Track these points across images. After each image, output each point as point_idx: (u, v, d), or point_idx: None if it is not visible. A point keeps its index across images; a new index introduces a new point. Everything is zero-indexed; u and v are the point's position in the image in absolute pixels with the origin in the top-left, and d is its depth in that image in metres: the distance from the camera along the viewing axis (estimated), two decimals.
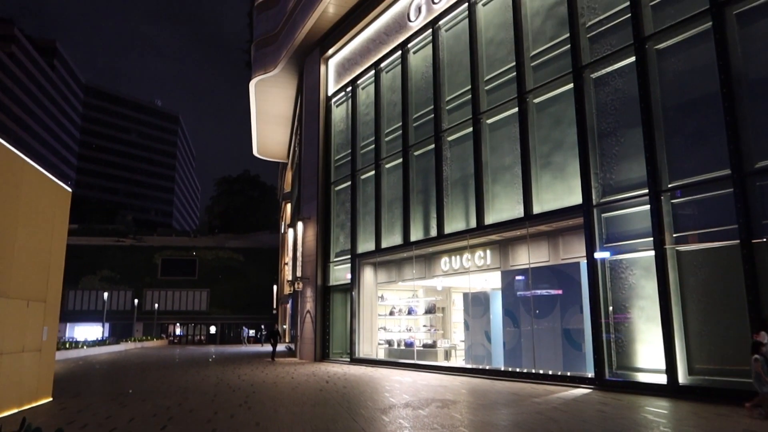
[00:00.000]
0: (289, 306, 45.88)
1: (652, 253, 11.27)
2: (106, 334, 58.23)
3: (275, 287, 60.66)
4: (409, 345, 18.71)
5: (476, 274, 16.57)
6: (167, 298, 62.43)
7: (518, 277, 14.77)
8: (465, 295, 16.68)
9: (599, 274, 12.24)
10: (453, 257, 17.39)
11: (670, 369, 10.63)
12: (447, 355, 18.33)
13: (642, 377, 11.31)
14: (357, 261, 21.27)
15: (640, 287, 11.63)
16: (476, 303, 16.18)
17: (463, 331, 16.93)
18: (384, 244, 20.05)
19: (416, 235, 18.56)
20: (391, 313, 20.44)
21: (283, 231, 53.98)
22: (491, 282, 16.93)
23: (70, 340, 45.73)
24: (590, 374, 12.26)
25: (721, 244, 10.40)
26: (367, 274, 21.30)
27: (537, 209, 14.21)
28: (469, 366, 15.80)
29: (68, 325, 60.45)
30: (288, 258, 26.36)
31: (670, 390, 10.54)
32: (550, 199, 14.00)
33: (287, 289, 27.82)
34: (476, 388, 12.57)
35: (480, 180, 16.02)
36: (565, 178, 13.71)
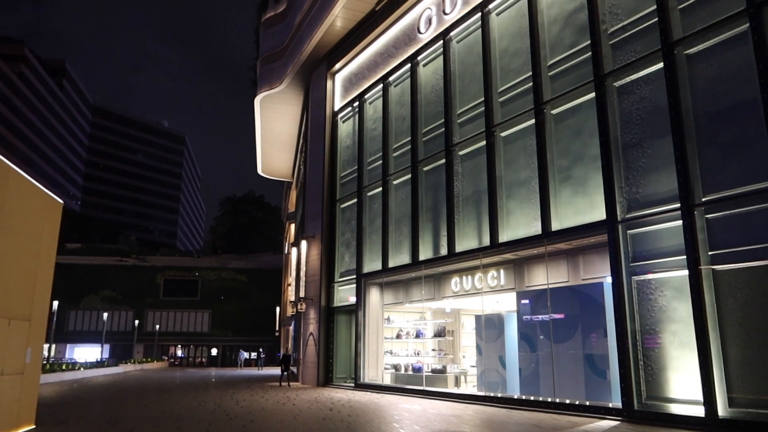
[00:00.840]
0: (291, 328, 44.84)
1: (685, 272, 10.37)
2: (106, 355, 57.20)
3: (278, 309, 59.59)
4: (417, 370, 17.71)
5: (489, 295, 15.66)
6: (169, 319, 61.42)
7: (534, 299, 13.85)
8: (477, 317, 15.74)
9: (625, 295, 11.33)
10: (464, 277, 16.50)
11: (708, 400, 9.64)
12: (457, 381, 17.31)
13: (675, 409, 10.31)
14: (362, 281, 20.38)
15: (671, 309, 10.70)
16: (490, 326, 15.23)
17: (475, 356, 15.93)
18: (391, 264, 19.17)
19: (425, 254, 17.70)
20: (398, 336, 19.48)
21: (286, 251, 53.17)
22: (503, 304, 16.00)
23: (70, 361, 44.70)
24: (617, 404, 11.27)
25: (763, 263, 9.50)
26: (373, 295, 20.39)
27: (556, 226, 13.35)
28: (481, 393, 14.79)
29: (68, 345, 59.51)
30: (291, 278, 25.48)
31: (709, 423, 9.54)
32: (570, 215, 13.16)
33: (290, 311, 26.88)
34: (492, 418, 11.58)
35: (494, 196, 15.21)
36: (587, 192, 12.88)
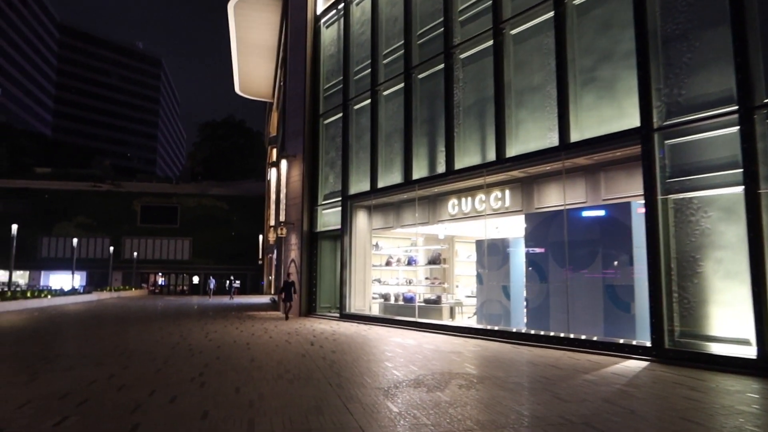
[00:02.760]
0: (274, 256, 43.32)
1: (739, 189, 8.60)
2: (83, 283, 55.68)
3: (261, 237, 58.02)
4: (409, 300, 16.17)
5: (492, 219, 13.88)
6: (147, 246, 59.61)
7: (545, 222, 12.10)
8: (479, 242, 14.02)
9: (659, 216, 9.57)
10: (463, 199, 14.66)
11: (762, 339, 8.09)
12: (452, 312, 15.84)
13: (717, 348, 8.78)
14: (349, 204, 18.50)
15: (717, 234, 8.98)
16: (493, 252, 13.53)
17: (476, 286, 14.32)
18: (381, 184, 17.24)
19: (420, 172, 15.76)
20: (388, 264, 17.84)
21: (269, 178, 50.96)
22: (505, 230, 14.29)
23: (45, 288, 42.97)
24: (643, 342, 9.75)
25: None
26: (361, 219, 18.58)
27: (575, 137, 11.42)
28: (481, 327, 13.28)
29: (43, 273, 57.77)
30: (272, 201, 23.51)
31: (762, 366, 8.02)
32: (593, 124, 11.19)
33: (271, 237, 25.09)
34: (498, 355, 10.04)
35: (501, 104, 13.14)
36: (615, 97, 10.88)
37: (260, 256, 58.17)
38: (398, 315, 16.35)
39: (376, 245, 18.48)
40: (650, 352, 9.42)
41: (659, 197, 9.61)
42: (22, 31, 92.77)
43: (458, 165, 14.34)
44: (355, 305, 18.15)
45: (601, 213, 11.08)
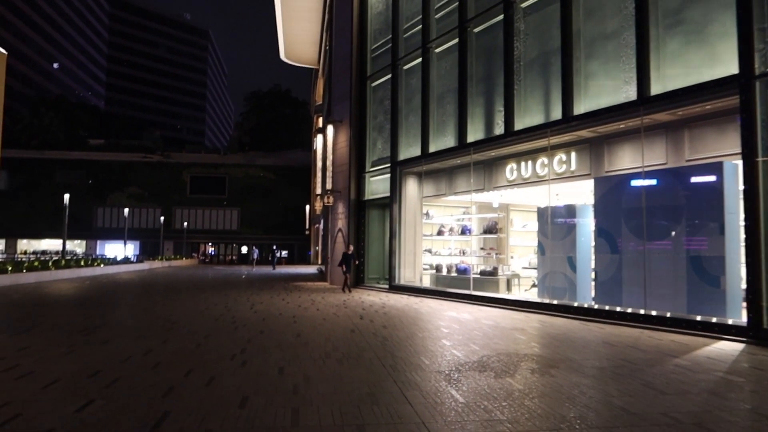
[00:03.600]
0: (320, 226, 42.98)
1: None
2: (137, 252, 57.02)
3: (308, 207, 57.90)
4: (463, 272, 15.25)
5: (557, 184, 12.71)
6: (197, 216, 60.40)
7: (617, 187, 10.88)
8: (541, 210, 12.90)
9: (760, 177, 8.28)
10: (523, 163, 13.52)
11: None
12: (508, 285, 14.83)
13: None
14: (398, 170, 17.58)
15: None
16: (557, 220, 12.38)
17: (537, 257, 13.24)
18: (432, 148, 16.23)
19: (475, 134, 14.65)
20: (440, 233, 16.90)
21: (315, 147, 50.43)
22: (564, 197, 13.11)
23: (99, 257, 44.05)
24: (738, 321, 8.58)
25: None
26: (410, 186, 17.65)
27: (657, 89, 10.10)
28: (543, 300, 12.25)
29: (98, 242, 59.38)
30: (318, 170, 22.80)
31: None
32: (679, 74, 9.84)
33: (317, 206, 24.47)
34: (567, 333, 9.04)
35: (568, 56, 11.84)
36: (707, 41, 9.49)
37: (307, 227, 58.14)
38: (450, 287, 15.47)
39: (427, 214, 17.54)
40: (746, 333, 8.25)
41: (760, 157, 8.29)
42: (74, 5, 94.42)
43: (518, 125, 13.17)
44: (404, 276, 17.37)
45: (686, 175, 9.79)
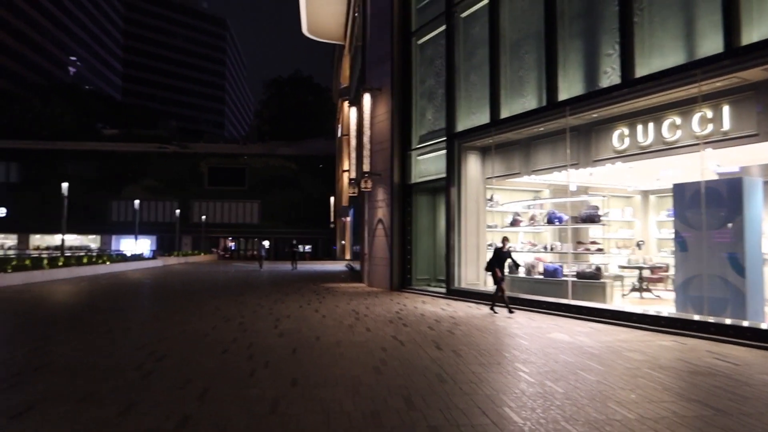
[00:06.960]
0: (349, 219, 39.49)
1: None
2: (154, 247, 54.25)
3: (332, 199, 54.53)
4: (553, 273, 11.62)
5: (696, 153, 8.96)
6: (216, 209, 57.43)
7: None
8: (678, 187, 9.21)
9: None
10: (640, 126, 9.85)
11: None
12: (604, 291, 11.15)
13: None
14: (456, 145, 14.01)
15: None
16: (711, 202, 8.66)
17: (674, 255, 9.51)
18: (505, 113, 12.61)
19: (570, 90, 11.00)
20: (514, 223, 13.23)
21: (339, 135, 46.82)
22: (668, 179, 9.43)
23: (109, 252, 41.13)
24: None
25: None
26: (472, 165, 14.09)
27: None
28: (682, 317, 8.58)
29: (114, 237, 56.76)
30: (351, 149, 19.26)
31: None
32: None
33: (347, 196, 20.94)
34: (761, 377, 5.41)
35: None
36: None
37: (332, 219, 54.80)
38: (532, 293, 11.85)
39: (491, 199, 13.92)
40: None
41: None
42: None
43: (640, 71, 9.49)
44: (466, 278, 13.83)
45: None
